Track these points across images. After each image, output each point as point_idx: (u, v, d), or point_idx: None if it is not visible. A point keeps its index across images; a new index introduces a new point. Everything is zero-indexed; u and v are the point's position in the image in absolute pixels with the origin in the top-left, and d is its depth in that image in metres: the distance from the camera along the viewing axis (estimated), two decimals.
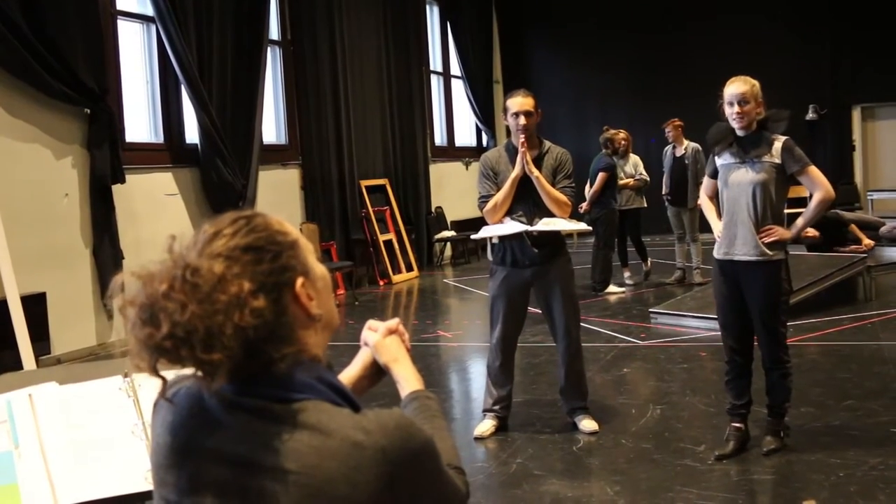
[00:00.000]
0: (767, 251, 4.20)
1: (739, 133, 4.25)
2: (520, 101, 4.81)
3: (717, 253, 4.37)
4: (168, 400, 1.34)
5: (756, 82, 4.24)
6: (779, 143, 4.22)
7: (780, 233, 4.22)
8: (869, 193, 14.57)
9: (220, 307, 1.21)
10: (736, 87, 4.20)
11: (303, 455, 1.23)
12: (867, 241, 8.96)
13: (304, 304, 1.31)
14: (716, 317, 4.63)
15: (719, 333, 4.54)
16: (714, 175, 4.46)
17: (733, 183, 4.26)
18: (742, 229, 4.24)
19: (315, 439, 1.24)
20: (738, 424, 4.42)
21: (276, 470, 1.23)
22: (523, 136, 4.76)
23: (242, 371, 1.27)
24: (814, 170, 4.25)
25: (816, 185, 4.26)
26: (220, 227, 1.31)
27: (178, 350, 1.21)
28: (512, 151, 4.88)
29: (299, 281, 1.30)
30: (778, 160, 4.20)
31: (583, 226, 5.47)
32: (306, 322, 1.32)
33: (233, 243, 1.28)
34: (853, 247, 8.91)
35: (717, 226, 4.42)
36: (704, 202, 4.61)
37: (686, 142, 9.79)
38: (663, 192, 9.97)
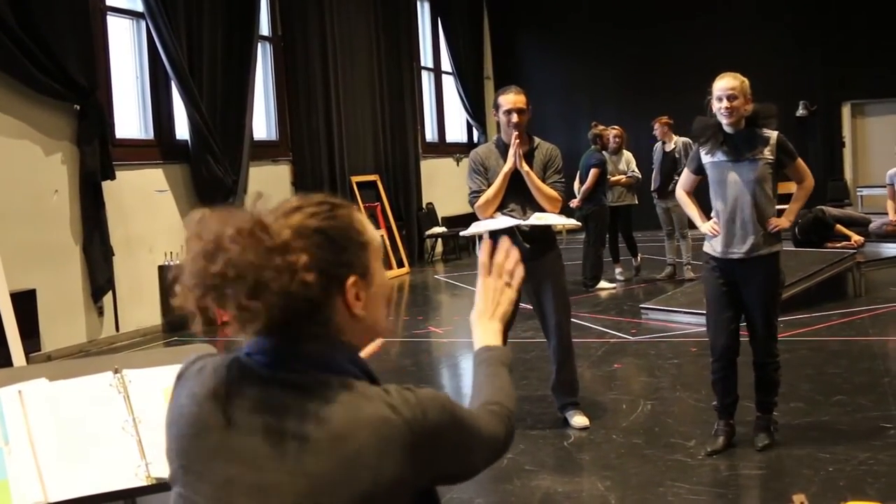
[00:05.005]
0: (768, 246, 4.24)
1: (728, 129, 4.24)
2: (512, 99, 4.80)
3: (713, 251, 4.37)
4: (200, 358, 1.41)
5: (745, 79, 4.24)
6: (773, 139, 4.23)
7: (781, 223, 4.29)
8: (858, 189, 14.63)
9: (273, 266, 1.28)
10: (726, 83, 4.20)
11: (334, 425, 1.29)
12: (857, 238, 9.00)
13: (349, 302, 1.36)
14: (706, 312, 4.63)
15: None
16: (698, 171, 4.45)
17: (731, 182, 4.26)
18: (743, 227, 4.24)
19: (346, 412, 1.30)
20: (729, 420, 4.43)
21: (309, 438, 1.28)
22: (515, 131, 4.76)
23: (276, 337, 1.34)
24: (801, 161, 4.39)
25: (803, 175, 4.39)
26: (304, 203, 1.38)
27: (224, 288, 1.29)
28: (502, 147, 4.88)
29: (351, 279, 1.36)
30: (773, 157, 4.22)
31: (572, 221, 5.47)
32: (348, 318, 1.38)
33: (308, 222, 1.35)
34: (844, 243, 8.95)
35: (703, 223, 4.42)
36: (683, 198, 4.61)
37: (675, 137, 9.80)
38: (652, 189, 9.98)
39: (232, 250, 1.29)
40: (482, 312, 1.72)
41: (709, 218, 4.41)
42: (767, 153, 4.21)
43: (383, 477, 1.29)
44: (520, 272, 1.74)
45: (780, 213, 4.35)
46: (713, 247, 4.37)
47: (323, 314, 1.35)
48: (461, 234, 5.62)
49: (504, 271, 1.73)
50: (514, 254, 1.74)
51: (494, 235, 4.85)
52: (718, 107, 4.21)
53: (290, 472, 1.28)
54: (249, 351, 1.37)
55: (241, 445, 1.31)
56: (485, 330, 1.71)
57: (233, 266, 1.28)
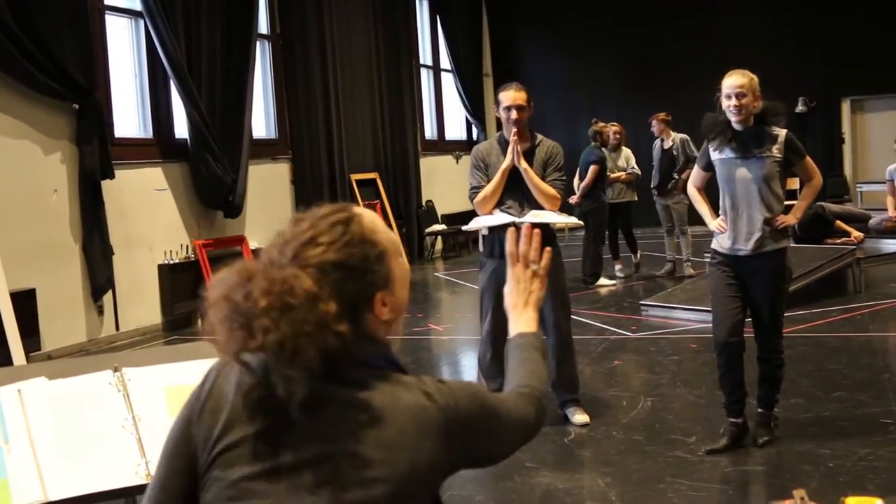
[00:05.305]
0: (775, 242, 4.25)
1: (737, 127, 4.24)
2: (512, 96, 4.80)
3: (721, 247, 4.37)
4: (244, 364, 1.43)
5: (754, 76, 4.24)
6: (782, 137, 4.23)
7: (788, 219, 4.29)
8: (858, 185, 14.62)
9: (308, 329, 1.33)
10: (735, 80, 4.20)
11: (376, 411, 1.38)
12: (856, 234, 8.99)
13: (377, 313, 1.45)
14: (706, 309, 4.64)
15: (709, 325, 4.54)
16: (707, 168, 4.46)
17: (739, 179, 4.27)
18: (750, 224, 4.25)
19: (386, 399, 1.39)
20: (734, 419, 4.37)
21: (352, 422, 1.37)
22: (515, 128, 4.77)
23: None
24: (810, 160, 4.40)
25: (812, 174, 4.40)
26: (317, 231, 1.42)
27: (265, 354, 1.35)
28: (503, 144, 4.88)
29: (378, 296, 1.45)
30: (780, 155, 4.23)
31: (572, 219, 5.46)
32: (378, 324, 1.46)
33: (327, 257, 1.39)
34: (844, 239, 8.94)
35: (712, 220, 4.42)
36: (694, 194, 4.61)
37: (673, 133, 9.80)
38: (651, 186, 9.99)
39: (265, 324, 1.33)
40: (515, 302, 1.83)
41: (717, 215, 4.41)
42: (775, 151, 4.22)
43: (421, 460, 1.38)
44: (546, 258, 1.83)
45: (788, 209, 4.35)
46: (720, 243, 4.37)
47: (357, 331, 1.41)
48: (463, 228, 5.65)
49: (529, 260, 1.82)
50: (537, 241, 1.82)
51: (493, 231, 4.86)
52: (727, 104, 4.21)
53: (336, 451, 1.36)
54: None
55: (287, 429, 1.38)
56: (519, 318, 1.82)
57: (271, 340, 1.33)
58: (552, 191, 4.79)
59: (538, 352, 1.77)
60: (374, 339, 1.46)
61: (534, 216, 4.75)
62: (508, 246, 1.83)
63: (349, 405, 1.38)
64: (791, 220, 4.32)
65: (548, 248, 1.84)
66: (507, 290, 1.84)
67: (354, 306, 1.41)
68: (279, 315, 1.33)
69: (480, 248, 5.20)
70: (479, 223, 4.91)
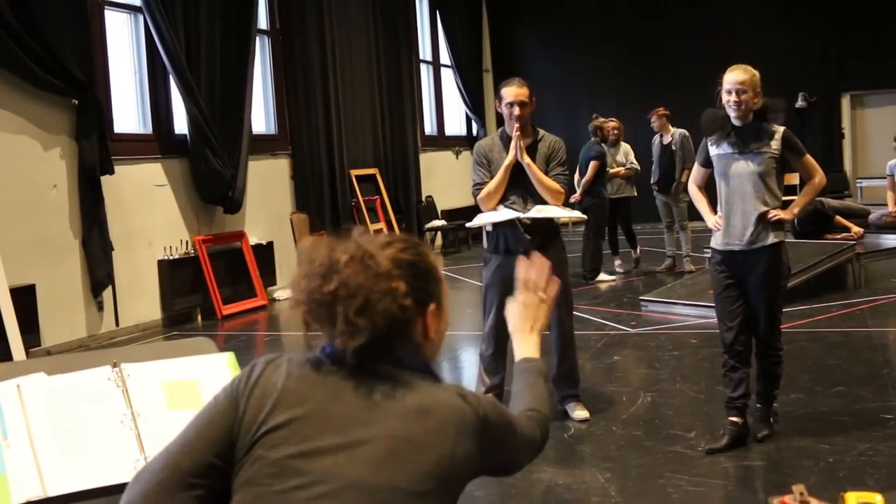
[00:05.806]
0: (770, 238, 4.23)
1: (736, 122, 4.23)
2: (514, 91, 4.79)
3: (717, 244, 4.36)
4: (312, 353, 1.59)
5: (756, 72, 4.23)
6: (779, 134, 4.22)
7: (783, 214, 4.25)
8: (858, 181, 14.62)
9: (381, 289, 1.51)
10: (736, 76, 4.18)
11: (420, 402, 1.51)
12: (856, 229, 8.99)
13: (427, 325, 1.61)
14: (706, 304, 4.63)
15: (709, 321, 4.54)
16: (706, 164, 4.45)
17: (734, 174, 4.26)
18: (744, 219, 4.24)
19: (427, 395, 1.53)
20: (734, 418, 4.34)
21: (397, 410, 1.50)
22: (517, 124, 4.76)
23: (372, 348, 1.53)
24: (809, 158, 4.36)
25: (812, 172, 4.37)
26: (392, 239, 1.62)
27: (335, 305, 1.50)
28: (505, 139, 4.87)
29: (432, 305, 1.61)
30: (778, 152, 4.21)
31: (576, 214, 5.44)
32: (422, 338, 1.61)
33: (402, 255, 1.58)
34: (843, 234, 8.94)
35: (710, 217, 4.41)
36: (694, 192, 4.60)
37: (672, 129, 9.79)
38: (651, 182, 9.98)
39: (345, 273, 1.51)
40: (521, 327, 1.96)
41: (716, 212, 4.40)
42: (773, 147, 4.21)
43: (459, 453, 1.50)
44: (554, 287, 1.98)
45: (787, 206, 4.33)
46: (716, 240, 4.37)
47: (409, 332, 1.57)
48: (467, 225, 5.64)
49: (538, 287, 1.96)
50: (546, 270, 1.97)
51: (497, 227, 4.85)
52: (727, 99, 4.20)
53: (379, 434, 1.47)
54: (333, 350, 1.56)
55: (332, 413, 1.50)
56: (524, 343, 1.95)
57: (345, 286, 1.50)
58: (555, 185, 4.78)
59: (542, 377, 1.91)
60: (416, 346, 1.60)
61: (538, 211, 4.75)
62: (520, 272, 1.96)
63: (393, 396, 1.51)
64: (787, 215, 4.28)
65: (556, 279, 1.96)
66: (513, 313, 1.97)
67: (416, 301, 1.56)
68: (359, 269, 1.51)
69: (485, 244, 5.20)
70: (483, 219, 4.90)
